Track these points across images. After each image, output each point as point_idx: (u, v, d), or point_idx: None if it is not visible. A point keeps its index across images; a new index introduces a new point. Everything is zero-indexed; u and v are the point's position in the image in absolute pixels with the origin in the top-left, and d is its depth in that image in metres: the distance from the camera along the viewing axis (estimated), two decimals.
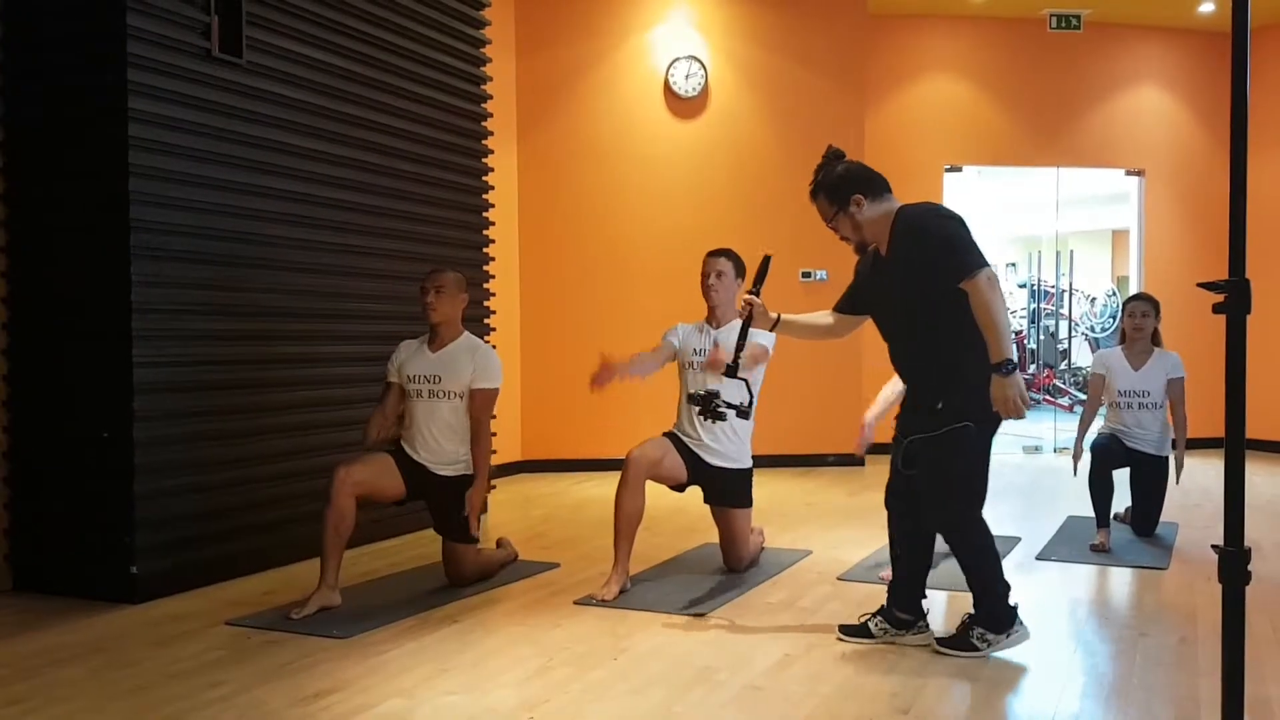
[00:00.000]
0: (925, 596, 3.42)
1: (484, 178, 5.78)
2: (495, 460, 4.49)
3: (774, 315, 3.51)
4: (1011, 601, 3.27)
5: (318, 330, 4.65)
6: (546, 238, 7.45)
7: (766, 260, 3.45)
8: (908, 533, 3.41)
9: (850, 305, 3.55)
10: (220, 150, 4.18)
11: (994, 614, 3.25)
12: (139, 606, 3.82)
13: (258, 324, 4.36)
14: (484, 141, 5.78)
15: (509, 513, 5.87)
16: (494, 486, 5.96)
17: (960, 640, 3.26)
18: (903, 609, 3.39)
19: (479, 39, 5.72)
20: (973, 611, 3.30)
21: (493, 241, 5.91)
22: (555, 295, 7.42)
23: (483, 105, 5.76)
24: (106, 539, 3.88)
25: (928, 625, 3.39)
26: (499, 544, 4.52)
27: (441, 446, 4.03)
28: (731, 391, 3.85)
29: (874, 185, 3.30)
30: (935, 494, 3.25)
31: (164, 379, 3.97)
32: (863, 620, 3.43)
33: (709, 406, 3.85)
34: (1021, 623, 3.27)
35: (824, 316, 3.63)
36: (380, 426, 4.07)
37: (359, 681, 3.00)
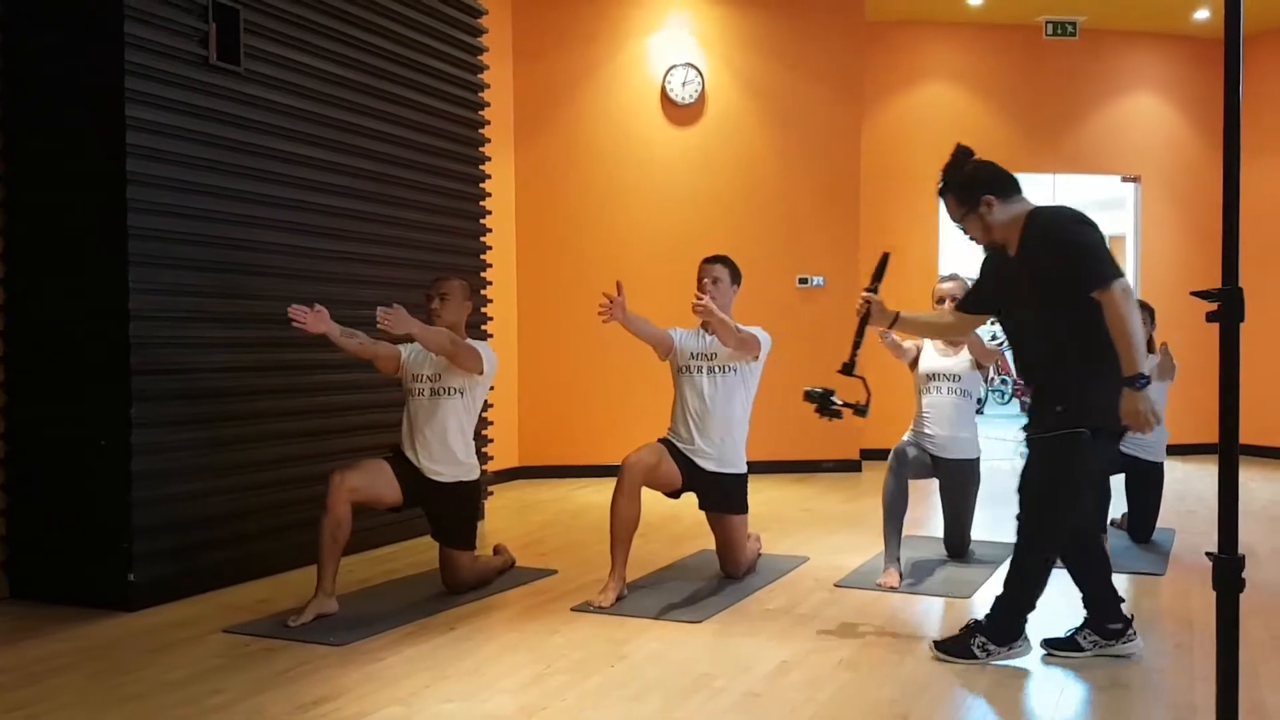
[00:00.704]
0: (1124, 600, 3.35)
1: (481, 185, 5.80)
2: (492, 467, 4.51)
3: (892, 313, 3.49)
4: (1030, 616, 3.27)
5: (311, 339, 4.64)
6: (544, 245, 7.46)
7: (885, 257, 3.43)
8: (1080, 550, 3.33)
9: (974, 304, 3.53)
10: (218, 158, 4.18)
11: (1003, 628, 3.24)
12: (136, 614, 3.82)
13: (256, 331, 4.36)
14: (481, 149, 5.80)
15: (506, 519, 5.87)
16: (491, 493, 5.97)
17: (960, 646, 3.25)
18: (1111, 619, 3.30)
19: (476, 47, 5.74)
20: (980, 620, 3.28)
21: (490, 249, 5.93)
22: (552, 302, 7.43)
23: (480, 113, 5.78)
24: (103, 546, 3.88)
25: (1136, 631, 3.32)
26: (496, 551, 4.53)
27: (440, 449, 4.02)
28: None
29: (1005, 185, 3.25)
30: (1030, 495, 3.20)
31: (161, 386, 3.97)
32: (1069, 634, 3.34)
33: (825, 405, 3.85)
34: (1026, 639, 3.26)
35: (944, 315, 3.63)
36: (362, 341, 3.96)
37: (356, 689, 2.99)
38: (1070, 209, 3.22)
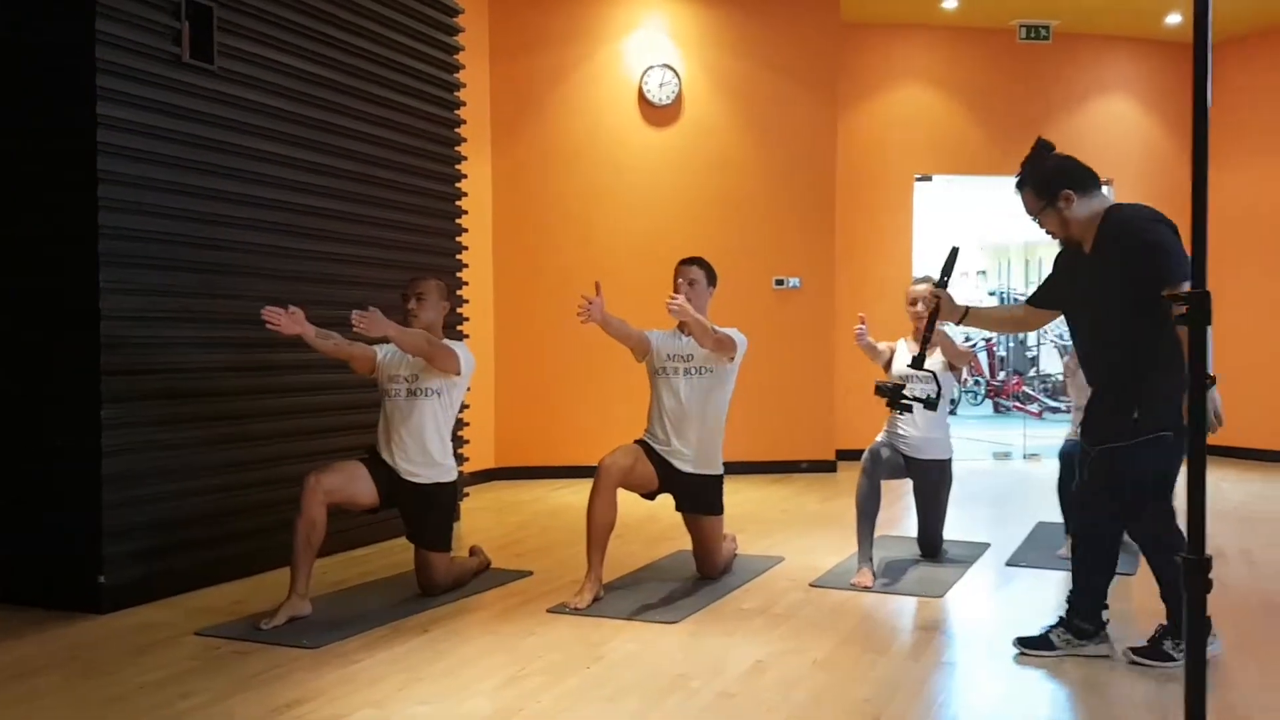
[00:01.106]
0: (1107, 607, 3.37)
1: (458, 184, 5.78)
2: (469, 468, 4.51)
3: (962, 307, 3.49)
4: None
5: (286, 339, 4.61)
6: (521, 245, 7.45)
7: (954, 252, 3.44)
8: (1091, 546, 3.35)
9: (1046, 299, 3.51)
10: (192, 156, 4.15)
11: (1080, 618, 3.30)
12: (108, 616, 3.78)
13: (229, 332, 4.33)
14: (458, 148, 5.78)
15: (483, 520, 5.86)
16: (467, 494, 5.95)
17: (1154, 651, 3.24)
18: (1085, 619, 3.33)
19: (453, 46, 5.72)
20: (1165, 623, 3.28)
21: (466, 249, 5.91)
22: (530, 303, 7.42)
23: (456, 112, 5.76)
24: (74, 548, 3.84)
25: (1108, 635, 3.35)
26: (471, 552, 4.51)
27: (417, 450, 4.01)
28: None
29: (1085, 181, 3.25)
30: (1132, 503, 3.21)
31: (134, 387, 3.93)
32: (1043, 632, 3.37)
33: (896, 398, 3.94)
34: (1215, 637, 3.28)
35: (1015, 309, 3.60)
36: (337, 342, 3.94)
37: (330, 692, 2.98)
38: (1148, 208, 3.22)
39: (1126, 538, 3.43)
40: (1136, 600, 4.09)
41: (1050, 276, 3.49)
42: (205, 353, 4.25)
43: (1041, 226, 3.32)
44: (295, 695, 2.95)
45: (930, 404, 4.03)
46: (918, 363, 3.56)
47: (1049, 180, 3.25)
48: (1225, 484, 7.12)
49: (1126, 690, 3.02)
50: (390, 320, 3.72)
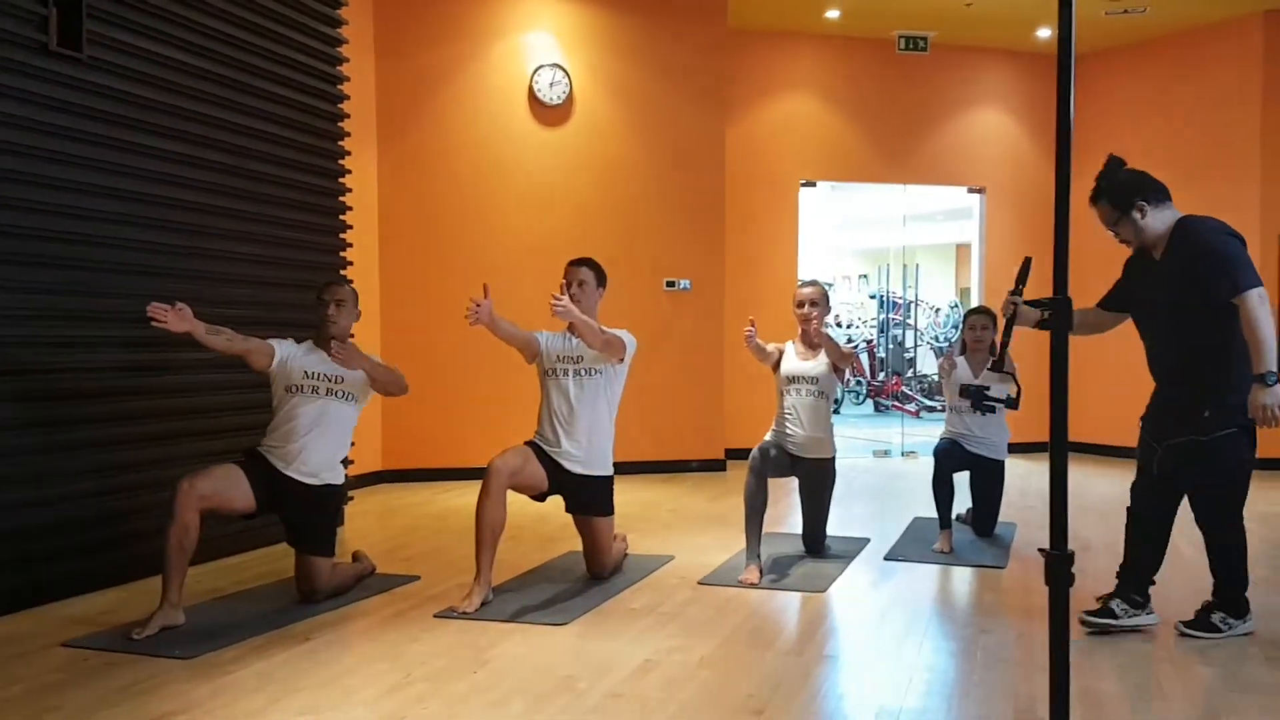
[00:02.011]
0: (1154, 584, 3.69)
1: (341, 180, 5.66)
2: (354, 471, 4.43)
3: (1036, 312, 3.58)
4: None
5: (171, 337, 4.44)
6: (408, 243, 7.33)
7: (1027, 262, 3.55)
8: (1148, 531, 3.68)
9: (1116, 302, 3.80)
10: (61, 149, 3.97)
11: (1236, 601, 3.56)
12: None
13: (107, 330, 4.16)
14: (341, 143, 5.66)
15: (368, 524, 5.75)
16: (352, 498, 5.83)
17: (1202, 622, 3.54)
18: (1137, 592, 3.64)
19: (335, 38, 5.60)
20: (1212, 598, 3.60)
21: (350, 245, 5.79)
22: (417, 302, 7.30)
23: (339, 106, 5.64)
24: None
25: (1153, 610, 3.66)
26: (355, 557, 4.42)
27: (324, 452, 3.96)
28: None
29: (1157, 193, 3.53)
30: (1207, 499, 3.53)
31: (4, 388, 3.74)
32: (1102, 602, 3.65)
33: (979, 400, 4.38)
34: (1251, 614, 3.57)
35: (1087, 313, 3.85)
36: (230, 338, 3.88)
37: (204, 704, 2.88)
38: (1217, 221, 3.51)
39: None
40: (1007, 590, 4.26)
41: (1120, 281, 3.81)
42: (84, 353, 4.08)
43: (1117, 236, 3.63)
44: (167, 708, 2.84)
45: (1012, 404, 4.49)
46: (997, 366, 3.74)
47: (1125, 192, 3.54)
48: (1090, 479, 7.48)
49: (998, 679, 3.15)
50: (364, 355, 4.02)
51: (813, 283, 4.92)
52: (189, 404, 4.58)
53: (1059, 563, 1.71)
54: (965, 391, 4.54)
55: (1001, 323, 3.57)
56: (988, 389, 4.82)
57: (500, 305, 4.03)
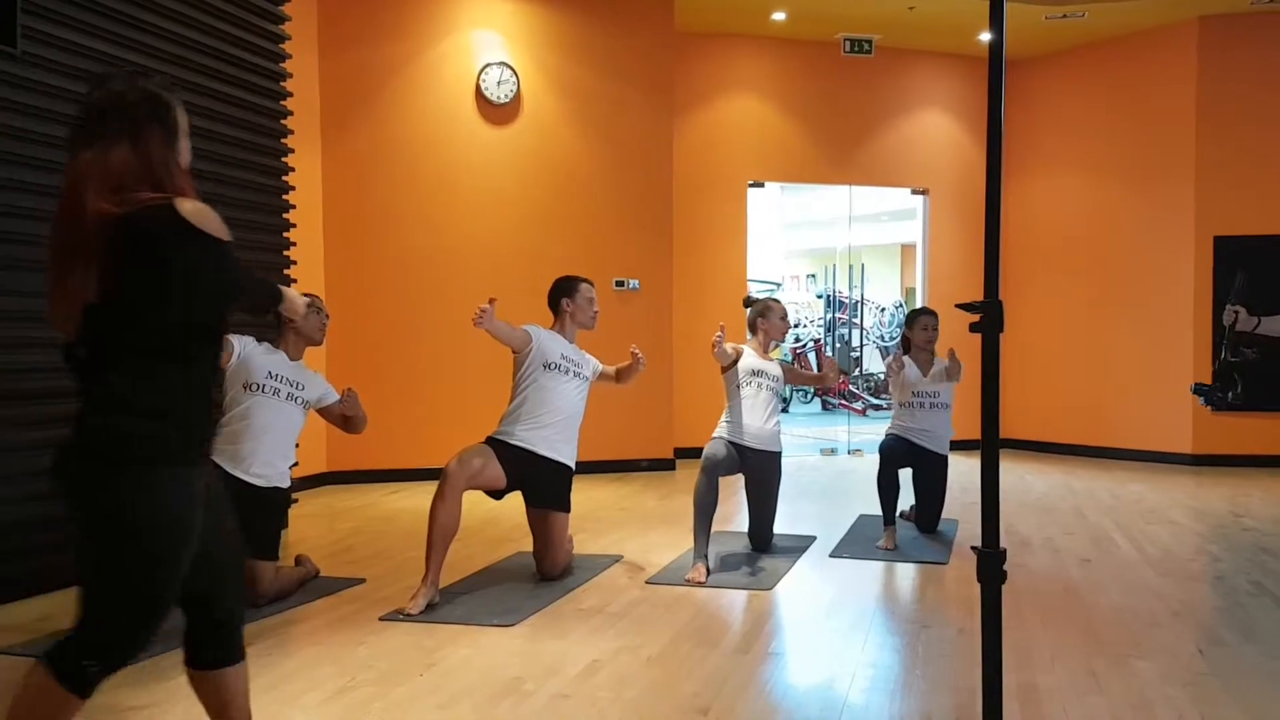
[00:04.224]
0: None
1: (284, 178, 5.59)
2: (298, 473, 4.38)
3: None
4: None
5: None
6: (353, 241, 7.25)
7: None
8: None
9: None
10: None
11: None
12: None
13: (39, 330, 4.06)
14: (284, 140, 5.59)
15: (313, 527, 5.69)
16: (296, 500, 5.76)
17: None
18: None
19: (278, 35, 5.53)
20: None
21: (294, 244, 5.73)
22: (363, 301, 7.23)
23: (282, 103, 5.57)
24: None
25: None
26: (298, 561, 4.37)
27: (274, 453, 3.94)
28: None
29: None
30: None
31: None
32: None
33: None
34: None
35: None
36: None
37: (146, 711, 2.84)
38: None
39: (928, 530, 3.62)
40: (950, 586, 4.34)
41: None
42: (14, 353, 3.99)
43: None
44: (106, 715, 2.79)
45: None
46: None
47: None
48: (1030, 476, 7.62)
49: (940, 675, 3.20)
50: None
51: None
52: None
53: (991, 560, 1.75)
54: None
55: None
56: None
57: (445, 306, 4.03)
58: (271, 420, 3.93)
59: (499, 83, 7.44)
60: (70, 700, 1.94)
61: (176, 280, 1.89)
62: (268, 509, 3.95)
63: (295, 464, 4.14)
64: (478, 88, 7.43)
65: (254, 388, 3.92)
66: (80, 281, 1.87)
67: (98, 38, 4.33)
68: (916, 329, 5.40)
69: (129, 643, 1.96)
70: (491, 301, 4.08)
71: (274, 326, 4.08)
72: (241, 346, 3.97)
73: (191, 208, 1.88)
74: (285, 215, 5.60)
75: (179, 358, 1.95)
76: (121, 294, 1.88)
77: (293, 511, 5.60)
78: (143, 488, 1.89)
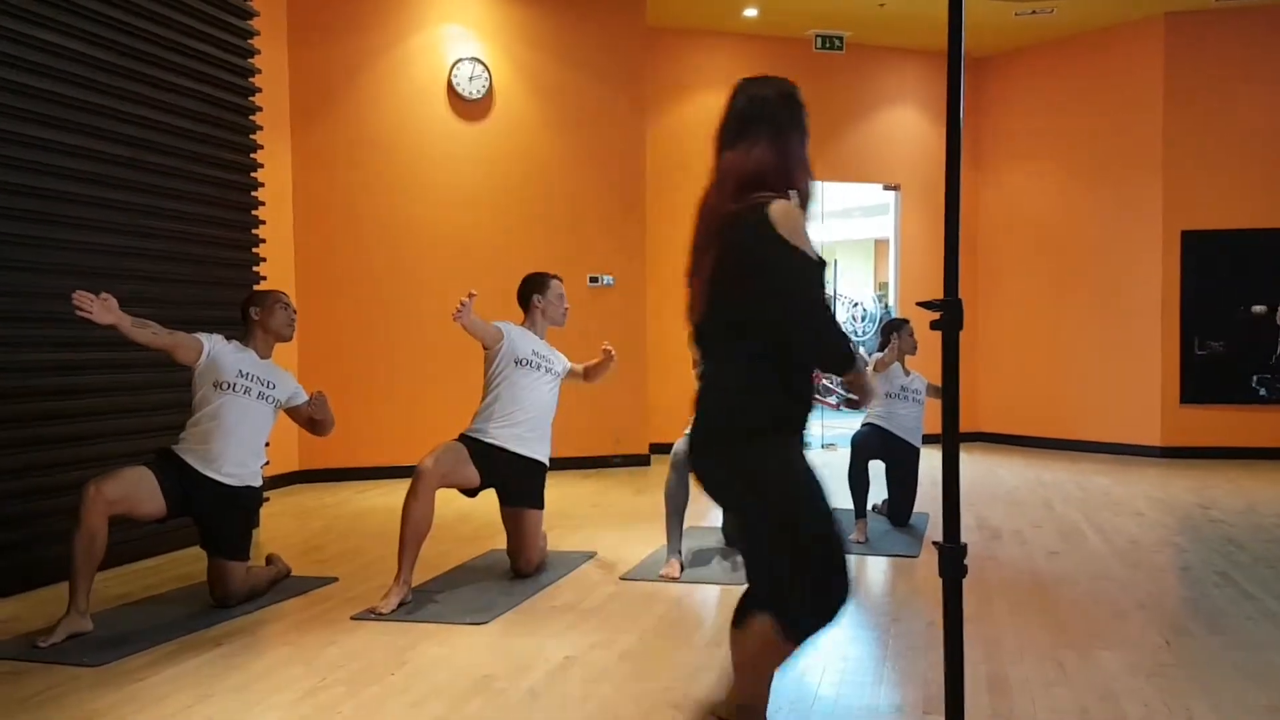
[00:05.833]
0: None
1: (253, 174, 5.55)
2: (269, 472, 4.36)
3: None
4: None
5: (77, 336, 4.31)
6: (324, 236, 7.21)
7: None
8: None
9: None
10: None
11: None
12: None
13: (8, 330, 4.02)
14: (253, 135, 5.55)
15: (284, 525, 5.66)
16: (267, 499, 5.73)
17: None
18: None
19: (245, 29, 5.48)
20: None
21: (264, 241, 5.69)
22: (334, 297, 7.19)
23: (251, 98, 5.53)
24: None
25: None
26: (269, 560, 4.35)
27: (245, 452, 3.91)
28: None
29: None
30: None
31: None
32: None
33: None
34: None
35: None
36: (156, 331, 3.78)
37: (113, 712, 2.82)
38: None
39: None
40: (920, 579, 4.37)
41: None
42: None
43: None
44: (74, 716, 2.78)
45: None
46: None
47: None
48: (1000, 469, 7.69)
49: (909, 667, 3.23)
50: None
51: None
52: (89, 406, 4.45)
53: (952, 555, 1.77)
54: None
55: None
56: None
57: (416, 301, 4.02)
58: (242, 419, 3.90)
59: (471, 78, 7.41)
60: None
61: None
62: (239, 508, 3.93)
63: (266, 463, 4.11)
64: (449, 83, 7.40)
65: (224, 386, 3.89)
66: None
67: (59, 32, 4.27)
68: (905, 336, 5.45)
69: None
70: (471, 295, 4.07)
71: (241, 324, 4.06)
72: (211, 345, 3.93)
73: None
74: (254, 212, 5.56)
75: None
76: None
77: (264, 510, 5.57)
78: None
